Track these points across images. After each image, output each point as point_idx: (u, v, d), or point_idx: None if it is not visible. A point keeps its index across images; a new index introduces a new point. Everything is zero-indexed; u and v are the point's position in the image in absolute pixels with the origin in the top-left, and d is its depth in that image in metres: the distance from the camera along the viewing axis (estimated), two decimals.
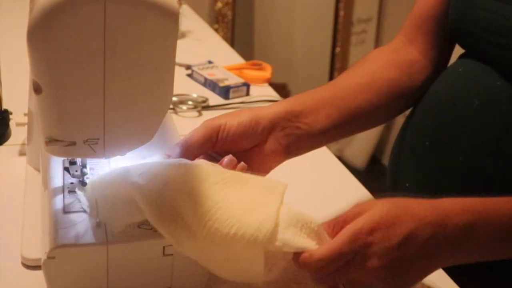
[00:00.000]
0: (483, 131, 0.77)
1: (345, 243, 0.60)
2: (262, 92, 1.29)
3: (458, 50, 0.89)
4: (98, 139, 0.60)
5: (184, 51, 1.31)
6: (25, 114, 0.93)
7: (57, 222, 0.64)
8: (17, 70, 0.95)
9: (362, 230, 0.60)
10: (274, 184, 0.63)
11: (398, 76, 0.85)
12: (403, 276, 0.62)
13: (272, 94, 1.30)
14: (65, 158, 0.72)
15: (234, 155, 0.68)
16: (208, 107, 1.19)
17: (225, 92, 1.25)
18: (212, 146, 0.71)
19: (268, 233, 0.58)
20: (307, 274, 0.63)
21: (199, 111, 1.17)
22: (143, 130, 0.62)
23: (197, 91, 1.25)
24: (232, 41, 2.65)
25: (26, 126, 0.90)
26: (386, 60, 0.87)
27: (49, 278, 0.64)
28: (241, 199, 0.61)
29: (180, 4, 1.62)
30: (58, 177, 0.71)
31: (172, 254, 0.65)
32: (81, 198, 0.67)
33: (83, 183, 0.69)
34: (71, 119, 0.59)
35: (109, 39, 0.55)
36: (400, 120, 0.95)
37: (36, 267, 0.69)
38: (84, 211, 0.66)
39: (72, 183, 0.70)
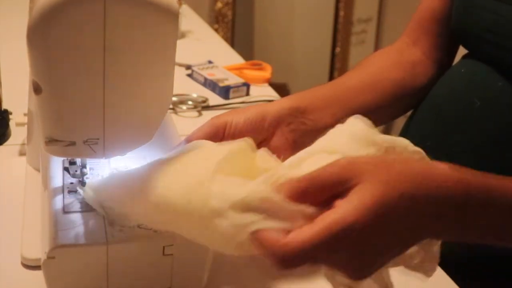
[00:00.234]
0: (485, 132, 0.77)
1: (327, 238, 0.48)
2: (262, 92, 1.29)
3: (462, 51, 0.89)
4: (98, 139, 0.60)
5: (184, 51, 1.32)
6: (25, 114, 0.93)
7: (57, 222, 0.64)
8: (17, 70, 0.95)
9: (354, 227, 0.48)
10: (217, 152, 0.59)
11: (401, 77, 0.86)
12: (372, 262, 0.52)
13: (272, 94, 1.30)
14: (65, 158, 0.72)
15: None
16: (208, 107, 1.19)
17: (225, 92, 1.25)
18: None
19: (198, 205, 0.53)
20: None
21: (199, 111, 1.17)
22: (143, 130, 0.62)
23: (197, 91, 1.25)
24: (232, 41, 2.65)
25: (26, 126, 0.90)
26: (390, 60, 0.87)
27: (49, 278, 0.63)
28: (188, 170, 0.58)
29: (180, 4, 1.62)
30: (58, 177, 0.71)
31: (172, 254, 0.65)
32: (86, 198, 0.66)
33: (83, 183, 0.69)
34: (71, 119, 0.58)
35: (109, 39, 0.55)
36: (401, 120, 0.95)
37: (36, 267, 0.69)
38: (84, 211, 0.66)
39: (72, 183, 0.70)
